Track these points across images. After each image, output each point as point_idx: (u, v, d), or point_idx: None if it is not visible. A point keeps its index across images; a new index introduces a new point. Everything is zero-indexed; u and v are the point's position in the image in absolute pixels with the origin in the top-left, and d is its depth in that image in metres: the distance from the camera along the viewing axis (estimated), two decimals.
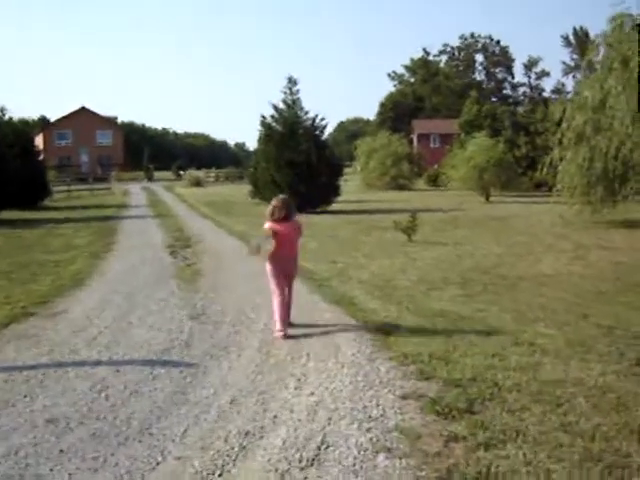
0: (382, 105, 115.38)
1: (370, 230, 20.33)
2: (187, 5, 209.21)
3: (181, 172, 76.38)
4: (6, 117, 33.23)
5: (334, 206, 28.86)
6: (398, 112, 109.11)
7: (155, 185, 60.55)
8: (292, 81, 28.58)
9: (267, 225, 8.00)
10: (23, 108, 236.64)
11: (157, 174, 78.92)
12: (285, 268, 8.07)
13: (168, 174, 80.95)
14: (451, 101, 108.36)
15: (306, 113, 28.80)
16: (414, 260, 14.10)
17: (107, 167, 78.95)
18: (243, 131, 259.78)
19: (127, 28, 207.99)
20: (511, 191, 39.40)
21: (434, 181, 54.91)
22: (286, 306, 8.05)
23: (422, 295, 10.26)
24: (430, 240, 17.47)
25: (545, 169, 23.24)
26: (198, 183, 59.84)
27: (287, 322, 7.97)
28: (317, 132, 28.77)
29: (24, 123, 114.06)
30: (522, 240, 17.91)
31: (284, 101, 28.66)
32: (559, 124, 23.10)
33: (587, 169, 20.84)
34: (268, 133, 28.65)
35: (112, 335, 7.76)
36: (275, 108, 28.50)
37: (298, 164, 27.12)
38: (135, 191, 49.75)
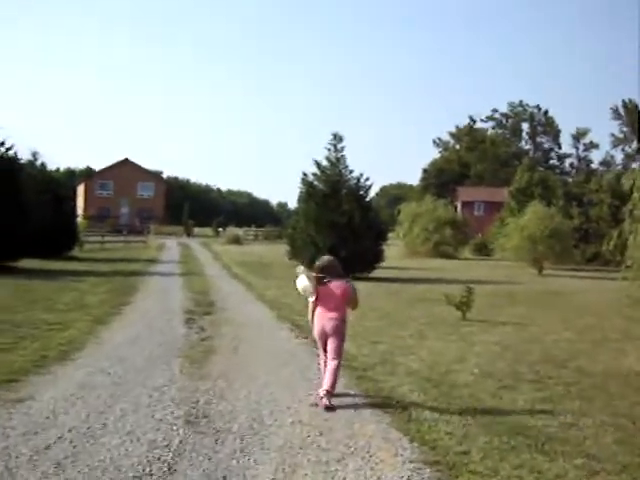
0: (425, 171, 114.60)
1: (416, 303, 18.13)
2: (236, 65, 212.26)
3: (220, 229, 75.14)
4: (38, 162, 32.02)
5: (375, 272, 26.72)
6: (442, 179, 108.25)
7: (193, 241, 59.10)
8: (337, 137, 26.79)
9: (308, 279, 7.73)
10: (70, 158, 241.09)
11: (197, 230, 77.80)
12: (324, 327, 7.66)
13: (208, 230, 79.81)
14: (496, 169, 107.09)
15: (350, 172, 26.92)
16: (472, 344, 11.86)
17: (147, 220, 78.20)
18: (286, 190, 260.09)
19: (177, 89, 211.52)
20: (564, 264, 36.95)
21: (480, 250, 52.73)
22: (328, 371, 7.52)
23: (490, 398, 8.02)
24: (487, 318, 15.26)
25: (612, 242, 21.05)
26: (236, 241, 58.35)
27: (329, 390, 7.33)
28: (361, 193, 26.78)
29: (70, 173, 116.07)
30: (591, 322, 15.74)
31: (328, 158, 26.82)
32: (630, 194, 20.92)
33: None
34: (309, 191, 26.76)
35: (72, 445, 5.62)
36: (318, 165, 26.66)
37: (340, 226, 25.12)
38: (170, 246, 48.26)
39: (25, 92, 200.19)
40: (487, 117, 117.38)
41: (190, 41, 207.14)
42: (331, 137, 26.78)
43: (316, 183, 26.88)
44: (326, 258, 7.89)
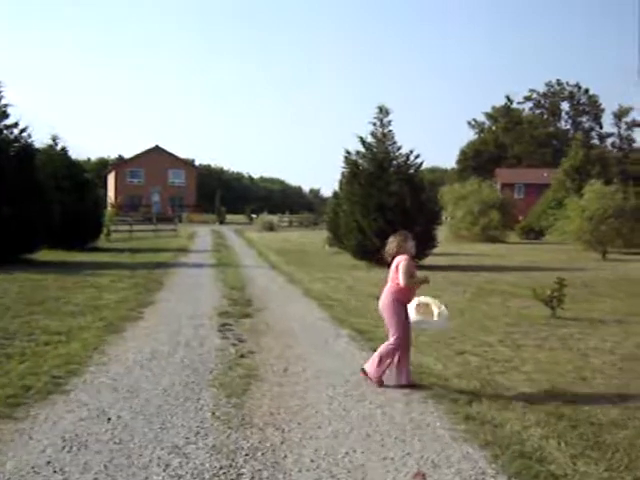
0: (463, 153, 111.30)
1: (486, 296, 15.42)
2: (266, 51, 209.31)
3: (253, 215, 72.86)
4: (58, 147, 29.67)
5: (426, 260, 23.99)
6: (479, 161, 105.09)
7: (225, 228, 56.78)
8: (383, 111, 23.98)
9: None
10: (103, 149, 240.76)
11: (230, 217, 75.49)
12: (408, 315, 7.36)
13: (241, 217, 77.57)
14: (534, 150, 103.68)
15: (398, 149, 24.09)
16: (584, 355, 9.22)
17: (178, 208, 76.25)
18: (319, 177, 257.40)
19: (208, 76, 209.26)
20: (627, 247, 33.70)
21: (527, 234, 49.68)
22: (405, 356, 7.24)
23: None
24: (579, 315, 12.56)
25: None
26: (271, 228, 55.98)
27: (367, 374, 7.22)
28: (411, 171, 23.95)
29: (102, 162, 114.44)
30: None
31: (373, 134, 24.02)
32: None
33: None
34: (354, 171, 24.01)
35: None
36: (362, 142, 23.86)
37: (389, 208, 22.39)
38: (203, 234, 45.96)
39: (59, 85, 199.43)
40: (525, 97, 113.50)
41: (220, 27, 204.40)
42: (376, 110, 23.99)
43: (361, 162, 24.14)
44: (403, 232, 7.66)
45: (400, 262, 7.16)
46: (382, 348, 7.18)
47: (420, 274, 7.68)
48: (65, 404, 6.20)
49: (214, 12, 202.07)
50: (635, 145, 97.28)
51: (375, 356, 7.20)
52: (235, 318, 11.16)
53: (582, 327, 11.39)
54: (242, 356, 8.28)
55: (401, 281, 7.08)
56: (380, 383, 7.12)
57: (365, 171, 23.62)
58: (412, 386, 7.11)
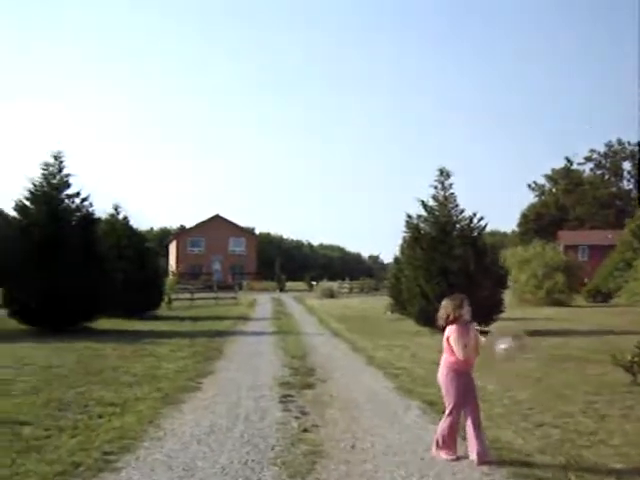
0: (524, 216, 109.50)
1: (561, 362, 14.53)
2: (318, 121, 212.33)
3: (313, 283, 72.58)
4: (120, 216, 30.03)
5: (493, 325, 23.09)
6: (540, 223, 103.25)
7: (286, 296, 56.49)
8: (444, 173, 23.51)
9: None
10: (165, 218, 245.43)
11: (290, 284, 75.28)
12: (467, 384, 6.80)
13: (301, 285, 77.34)
14: (596, 211, 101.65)
15: (461, 212, 23.52)
16: None
17: (239, 276, 76.57)
18: (377, 243, 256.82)
19: (265, 145, 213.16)
20: None
21: (593, 297, 48.04)
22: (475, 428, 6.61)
23: None
24: None
25: None
26: (331, 294, 55.44)
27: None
28: (474, 234, 23.31)
29: (165, 232, 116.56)
30: None
31: (434, 197, 23.53)
32: None
33: None
34: (415, 235, 23.47)
35: None
36: (424, 205, 23.37)
37: (453, 272, 21.71)
38: (263, 301, 45.68)
39: (122, 155, 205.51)
40: (585, 158, 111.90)
41: (282, 98, 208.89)
42: (437, 173, 23.56)
43: (422, 226, 23.63)
44: (457, 295, 7.07)
45: (449, 335, 6.76)
46: (441, 424, 6.82)
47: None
48: None
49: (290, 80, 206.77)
50: None
51: (438, 435, 6.81)
52: (297, 389, 10.61)
53: None
54: (305, 430, 7.71)
55: (458, 354, 6.68)
56: (455, 458, 6.61)
57: (427, 235, 23.04)
58: (490, 462, 6.51)
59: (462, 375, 6.77)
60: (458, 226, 23.25)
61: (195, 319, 27.65)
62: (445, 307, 6.91)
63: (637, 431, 8.03)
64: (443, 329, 6.99)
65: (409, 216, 24.05)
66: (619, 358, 11.85)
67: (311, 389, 10.67)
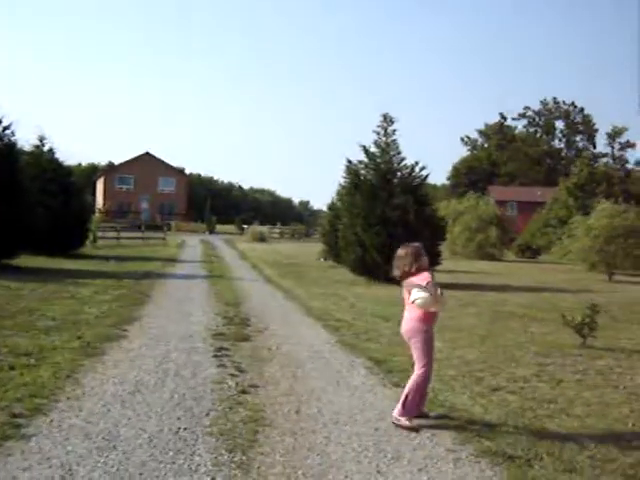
0: (455, 169, 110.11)
1: (503, 319, 14.11)
2: (255, 59, 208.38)
3: (244, 226, 71.53)
4: (46, 148, 28.26)
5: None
6: (471, 177, 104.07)
7: (216, 238, 55.30)
8: (387, 119, 22.72)
9: (422, 278, 6.18)
10: (93, 154, 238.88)
11: (220, 227, 73.96)
12: (401, 330, 6.45)
13: (231, 227, 76.13)
14: (527, 168, 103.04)
15: (402, 160, 22.80)
16: (634, 394, 7.95)
17: (168, 216, 74.81)
18: (308, 190, 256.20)
19: (201, 90, 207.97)
20: (635, 269, 32.36)
21: (523, 252, 48.58)
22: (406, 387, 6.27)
23: None
24: (610, 345, 11.28)
25: None
26: (262, 238, 54.59)
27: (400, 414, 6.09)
28: (415, 184, 22.68)
29: (92, 168, 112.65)
30: None
31: (376, 143, 22.73)
32: None
33: None
34: (355, 182, 22.70)
35: None
36: (366, 151, 22.57)
37: (392, 222, 21.11)
38: (192, 243, 44.49)
39: (49, 89, 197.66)
40: (519, 114, 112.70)
41: (210, 30, 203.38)
42: (380, 119, 22.73)
43: (363, 172, 22.86)
44: (415, 244, 6.56)
45: (425, 282, 6.16)
46: (410, 385, 6.21)
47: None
48: (23, 457, 4.85)
49: (200, 14, 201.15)
50: (627, 166, 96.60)
51: (404, 393, 6.22)
52: (232, 341, 9.77)
53: (618, 359, 10.13)
54: (244, 392, 6.90)
55: (430, 306, 6.18)
56: (415, 429, 6.02)
57: (367, 182, 22.33)
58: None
59: (431, 328, 6.29)
60: (399, 174, 22.61)
61: (121, 259, 26.45)
62: (404, 257, 6.38)
63: (596, 399, 7.53)
64: (398, 283, 6.52)
65: (349, 161, 23.31)
66: (569, 319, 11.41)
67: (247, 341, 9.85)
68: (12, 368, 7.42)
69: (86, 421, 5.72)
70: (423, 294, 6.06)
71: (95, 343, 9.09)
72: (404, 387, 6.31)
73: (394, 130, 22.66)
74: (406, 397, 6.13)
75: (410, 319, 6.30)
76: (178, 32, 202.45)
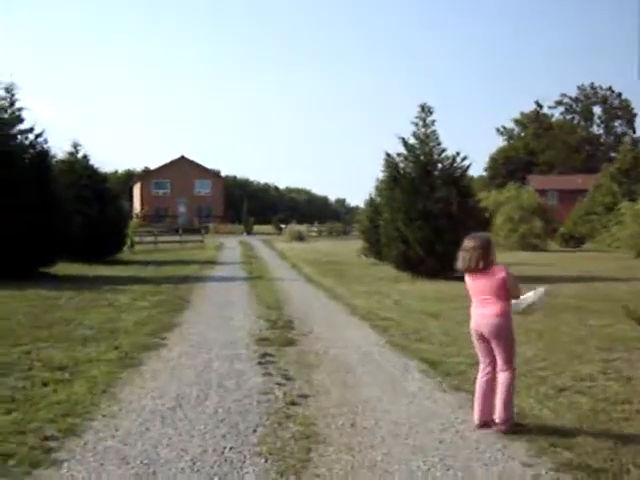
0: (493, 160, 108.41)
1: (558, 313, 13.35)
2: (290, 63, 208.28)
3: (282, 226, 71.20)
4: (80, 155, 28.08)
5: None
6: (509, 167, 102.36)
7: (254, 239, 55.02)
8: (426, 110, 22.05)
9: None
10: (130, 161, 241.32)
11: (257, 228, 73.74)
12: (479, 326, 5.83)
13: (268, 228, 75.89)
14: (566, 156, 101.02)
15: (443, 151, 22.10)
16: None
17: (205, 218, 74.83)
18: (343, 187, 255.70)
19: (235, 93, 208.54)
20: None
21: (566, 241, 47.40)
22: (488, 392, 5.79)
23: None
24: None
25: None
26: (300, 238, 54.12)
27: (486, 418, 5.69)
28: (457, 175, 21.97)
29: (129, 174, 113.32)
30: None
31: (415, 135, 22.05)
32: None
33: None
34: (395, 176, 22.05)
35: None
36: (405, 143, 21.91)
37: (435, 215, 20.46)
38: (230, 245, 44.20)
39: (83, 97, 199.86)
40: (556, 102, 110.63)
41: (249, 38, 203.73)
42: (419, 109, 22.06)
43: (402, 165, 22.20)
44: (485, 234, 6.17)
45: (504, 277, 5.74)
46: (504, 386, 5.75)
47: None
48: None
49: (234, 20, 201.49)
50: None
51: (502, 396, 5.75)
52: (276, 346, 9.24)
53: None
54: (292, 403, 6.35)
55: (517, 296, 5.99)
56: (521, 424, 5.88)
57: (407, 175, 21.67)
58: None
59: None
60: (440, 166, 21.94)
61: (159, 264, 26.15)
62: (471, 249, 5.82)
63: None
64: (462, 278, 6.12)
65: (388, 154, 22.63)
66: (632, 310, 10.70)
67: (292, 346, 9.31)
68: (45, 384, 6.98)
69: (123, 443, 5.23)
70: (534, 296, 6.01)
71: (133, 353, 8.64)
72: (497, 395, 5.82)
73: (433, 121, 22.00)
74: (504, 404, 5.72)
75: (493, 315, 5.75)
76: (211, 36, 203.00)
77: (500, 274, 5.74)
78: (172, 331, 10.56)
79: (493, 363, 5.86)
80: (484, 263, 5.73)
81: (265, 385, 7.05)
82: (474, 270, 5.79)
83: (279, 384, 7.08)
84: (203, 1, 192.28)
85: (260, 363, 8.13)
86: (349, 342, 9.86)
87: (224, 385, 7.04)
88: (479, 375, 5.98)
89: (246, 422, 5.76)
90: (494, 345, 5.80)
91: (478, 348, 5.99)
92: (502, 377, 5.77)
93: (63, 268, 21.33)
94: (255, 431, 5.53)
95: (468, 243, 5.87)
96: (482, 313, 5.82)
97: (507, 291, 5.76)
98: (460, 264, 5.90)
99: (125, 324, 11.13)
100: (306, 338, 10.04)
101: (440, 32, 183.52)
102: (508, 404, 5.71)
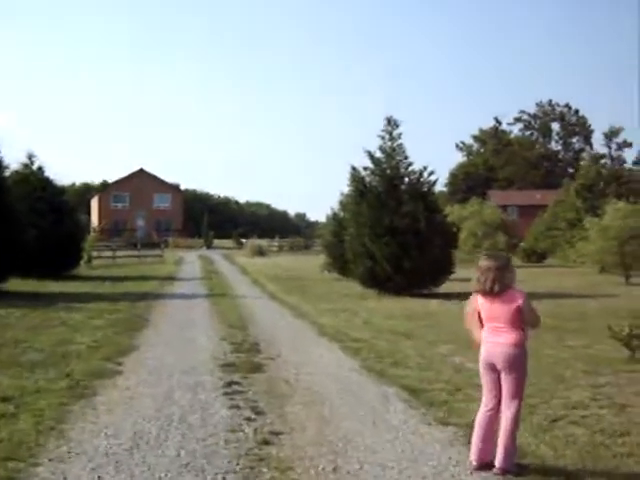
0: (453, 175, 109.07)
1: (533, 332, 12.88)
2: (250, 78, 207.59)
3: (243, 240, 70.35)
4: (35, 166, 27.08)
5: (442, 287, 21.64)
6: (469, 183, 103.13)
7: (214, 253, 54.13)
8: (392, 123, 21.67)
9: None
10: (87, 174, 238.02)
11: (217, 242, 72.77)
12: (491, 356, 5.30)
13: (229, 242, 74.98)
14: (526, 171, 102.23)
15: (409, 165, 21.70)
16: None
17: (165, 232, 73.69)
18: (303, 202, 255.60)
19: (193, 106, 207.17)
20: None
21: (528, 257, 47.45)
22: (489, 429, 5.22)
23: None
24: None
25: None
26: (261, 252, 53.36)
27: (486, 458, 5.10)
28: (425, 189, 21.58)
29: (86, 187, 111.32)
30: None
31: (382, 148, 21.63)
32: None
33: None
34: (361, 189, 21.56)
35: None
36: (371, 157, 21.46)
37: (401, 231, 20.00)
38: (190, 259, 43.33)
39: (39, 108, 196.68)
40: (515, 118, 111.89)
41: (205, 50, 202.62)
42: (385, 122, 21.67)
43: (368, 179, 21.74)
44: (503, 255, 5.83)
45: (522, 304, 5.26)
46: (509, 422, 5.20)
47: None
48: None
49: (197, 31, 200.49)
50: (625, 165, 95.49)
51: (504, 437, 5.18)
52: (243, 372, 8.52)
53: None
54: (265, 442, 5.64)
55: (534, 326, 5.53)
56: (526, 466, 5.30)
57: (374, 189, 21.19)
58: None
59: None
60: (407, 180, 21.53)
61: (117, 279, 25.25)
62: (487, 270, 5.28)
63: None
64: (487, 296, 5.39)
65: (354, 168, 22.16)
66: (617, 331, 10.25)
67: (261, 372, 8.61)
68: None
69: None
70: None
71: (85, 381, 7.87)
72: (498, 433, 5.26)
73: (399, 134, 21.63)
74: (506, 449, 5.14)
75: (509, 344, 5.26)
76: (169, 47, 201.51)
77: (516, 302, 5.25)
78: (129, 355, 9.79)
79: (498, 397, 5.27)
80: (500, 286, 5.22)
81: (233, 420, 6.34)
82: (488, 293, 5.28)
83: (248, 419, 6.37)
84: (156, 9, 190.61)
85: (226, 393, 7.40)
86: (321, 367, 9.20)
87: (187, 420, 6.32)
88: (481, 409, 5.38)
89: (213, 467, 5.05)
90: (504, 376, 5.26)
91: (485, 380, 5.44)
92: (507, 414, 5.23)
93: (15, 284, 20.40)
94: (224, 479, 4.84)
95: (483, 263, 5.37)
96: (495, 341, 5.34)
97: (522, 319, 5.28)
98: (474, 285, 5.40)
99: (78, 347, 10.34)
100: (274, 363, 9.36)
101: (399, 47, 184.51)
102: (510, 449, 5.15)
